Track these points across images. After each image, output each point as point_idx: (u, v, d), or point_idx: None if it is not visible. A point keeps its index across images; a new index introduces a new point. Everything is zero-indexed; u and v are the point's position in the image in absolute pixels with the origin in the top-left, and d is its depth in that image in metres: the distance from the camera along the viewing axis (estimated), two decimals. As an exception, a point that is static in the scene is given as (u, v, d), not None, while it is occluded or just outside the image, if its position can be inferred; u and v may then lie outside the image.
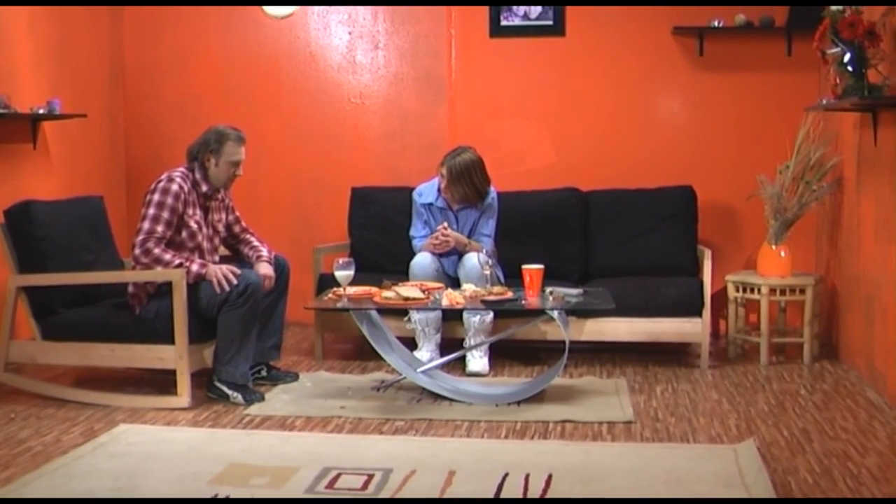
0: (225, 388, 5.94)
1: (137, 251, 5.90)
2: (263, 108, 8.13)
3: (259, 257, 6.32)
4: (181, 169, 6.15)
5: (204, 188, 6.17)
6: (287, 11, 8.07)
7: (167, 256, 5.90)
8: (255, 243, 6.42)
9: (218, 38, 8.21)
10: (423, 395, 6.01)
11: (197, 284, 5.89)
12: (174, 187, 6.00)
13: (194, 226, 6.11)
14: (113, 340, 6.00)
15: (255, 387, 6.13)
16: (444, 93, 8.02)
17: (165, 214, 5.95)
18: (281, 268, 6.37)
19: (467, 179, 6.69)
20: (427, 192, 6.95)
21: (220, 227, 6.36)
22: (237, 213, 6.50)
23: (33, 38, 6.98)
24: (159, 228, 5.92)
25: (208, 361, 6.03)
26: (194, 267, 5.90)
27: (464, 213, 6.87)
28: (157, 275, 5.92)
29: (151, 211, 5.95)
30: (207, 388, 5.99)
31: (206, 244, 6.20)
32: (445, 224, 6.76)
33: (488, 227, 6.88)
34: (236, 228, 6.48)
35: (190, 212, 6.09)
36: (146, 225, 5.93)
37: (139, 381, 6.29)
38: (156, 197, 5.98)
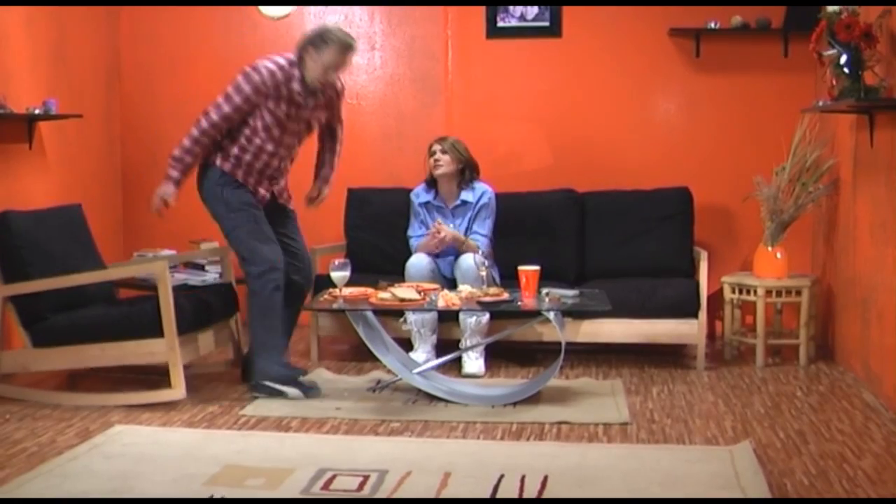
0: (275, 386, 5.96)
1: (194, 130, 5.94)
2: (260, 109, 8.12)
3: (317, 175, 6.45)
4: (284, 58, 6.01)
5: (296, 86, 6.00)
6: (284, 12, 8.07)
7: (190, 149, 5.95)
8: (326, 164, 6.51)
9: (215, 39, 8.21)
10: (419, 396, 6.01)
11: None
12: (256, 77, 5.91)
13: (273, 118, 5.98)
14: (103, 340, 5.96)
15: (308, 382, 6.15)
16: (440, 94, 8.03)
17: (227, 108, 5.93)
18: (306, 269, 6.40)
19: (458, 145, 6.86)
20: (422, 192, 6.99)
21: (314, 125, 6.28)
22: (342, 121, 6.49)
23: (30, 38, 6.97)
24: (219, 122, 5.93)
25: (202, 351, 6.01)
26: (174, 174, 5.95)
27: (460, 210, 6.89)
28: (140, 270, 5.90)
29: (220, 99, 5.95)
30: (251, 389, 6.04)
31: (288, 140, 6.11)
32: (439, 220, 6.78)
33: (485, 226, 6.89)
34: (331, 135, 6.50)
35: (271, 105, 5.97)
36: (212, 110, 5.95)
37: (135, 382, 6.26)
38: (231, 86, 5.94)
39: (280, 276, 5.97)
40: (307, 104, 6.08)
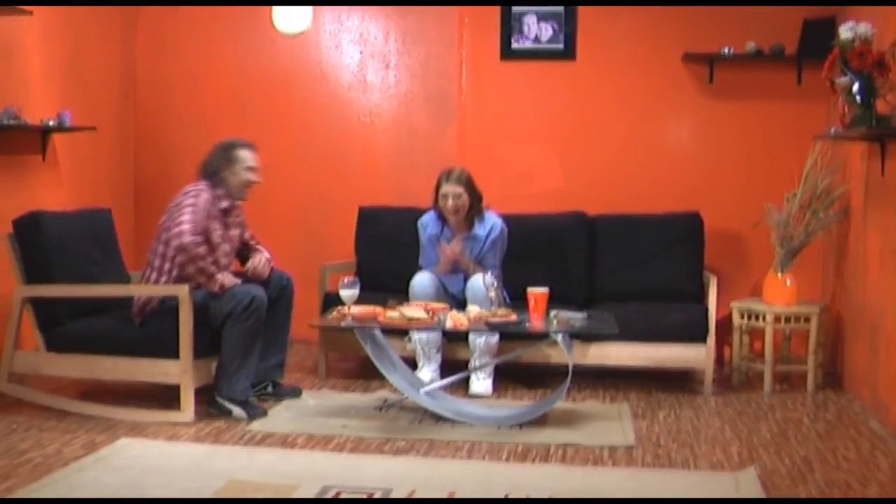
0: (227, 404, 5.95)
1: (188, 239, 5.90)
2: (273, 125, 8.15)
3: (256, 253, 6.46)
4: (203, 183, 6.19)
5: (224, 203, 6.23)
6: (299, 29, 8.10)
7: (209, 258, 6.00)
8: (262, 250, 6.49)
9: (230, 54, 8.24)
10: (425, 415, 6.01)
11: (210, 297, 5.92)
12: (204, 196, 6.08)
13: (216, 240, 6.15)
14: (117, 353, 6.02)
15: (259, 403, 6.13)
16: (453, 113, 8.04)
17: (199, 216, 6.01)
18: (284, 285, 6.39)
19: (469, 179, 6.74)
20: (431, 223, 6.91)
21: (236, 243, 6.40)
22: (250, 231, 6.53)
23: (45, 50, 7.00)
24: (194, 227, 5.96)
25: (213, 377, 6.03)
26: (226, 281, 5.99)
27: (468, 243, 6.83)
28: (163, 290, 5.95)
29: (189, 210, 6.00)
30: (209, 403, 6.00)
31: (223, 260, 6.22)
32: (444, 242, 6.74)
33: (496, 258, 6.84)
34: (251, 242, 6.52)
35: (213, 226, 6.13)
36: (188, 216, 5.97)
37: (142, 394, 6.28)
38: (188, 201, 6.03)
39: (263, 303, 6.00)
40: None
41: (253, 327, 5.93)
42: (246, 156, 6.26)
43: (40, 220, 6.11)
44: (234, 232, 6.37)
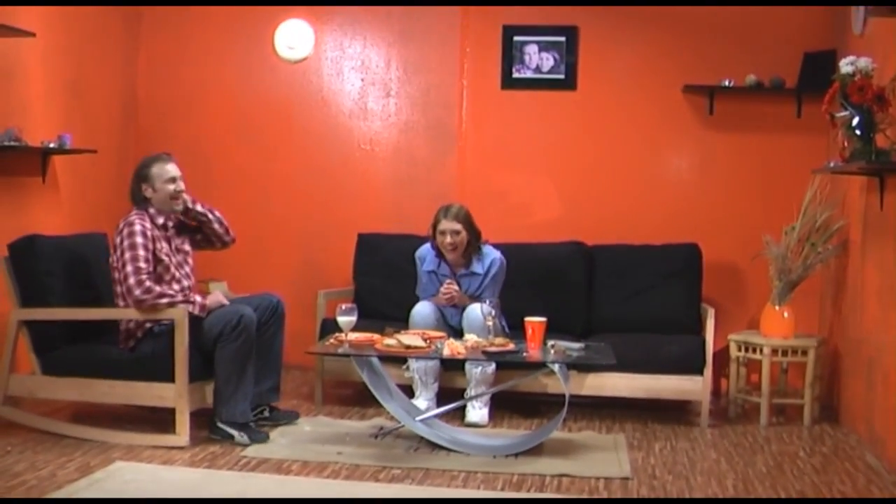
0: (228, 429, 5.94)
1: (138, 292, 5.89)
2: (274, 151, 8.17)
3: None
4: (134, 213, 6.18)
5: (160, 220, 6.22)
6: (301, 55, 8.12)
7: (169, 290, 5.96)
8: (210, 217, 6.47)
9: (231, 79, 8.27)
10: (420, 443, 6.00)
11: (198, 319, 5.91)
12: (137, 228, 6.05)
13: (165, 259, 6.14)
14: (113, 377, 6.02)
15: (258, 427, 6.12)
16: (453, 142, 8.06)
17: (142, 253, 5.99)
18: (274, 307, 6.37)
19: (467, 216, 6.72)
20: (428, 258, 6.91)
21: (186, 247, 6.39)
22: (192, 198, 6.43)
23: (47, 72, 7.02)
24: (143, 265, 5.96)
25: (209, 400, 6.03)
26: (198, 298, 6.00)
27: (466, 279, 6.84)
28: (162, 314, 5.94)
29: (128, 255, 5.98)
30: (210, 429, 5.98)
31: (178, 272, 6.20)
32: (450, 281, 6.73)
33: (495, 293, 6.81)
34: (193, 206, 6.43)
35: (158, 246, 6.12)
36: (130, 268, 5.95)
37: (137, 418, 6.28)
38: (126, 243, 6.02)
39: (252, 321, 5.99)
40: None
41: (243, 346, 5.92)
42: (160, 170, 6.21)
43: (36, 243, 6.13)
44: (181, 238, 6.36)
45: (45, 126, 6.91)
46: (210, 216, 6.42)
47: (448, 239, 6.68)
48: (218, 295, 6.18)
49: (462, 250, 6.74)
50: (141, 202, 6.23)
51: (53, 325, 6.12)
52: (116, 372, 6.03)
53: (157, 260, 6.08)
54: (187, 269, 6.32)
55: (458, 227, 6.68)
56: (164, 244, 6.18)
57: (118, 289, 6.08)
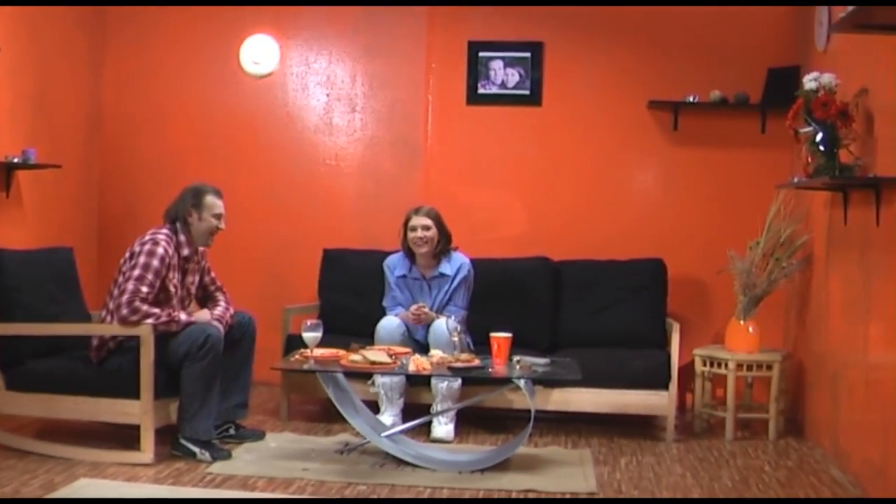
0: (190, 446, 5.90)
1: (125, 311, 5.85)
2: (239, 167, 8.15)
3: (214, 308, 6.38)
4: (165, 231, 6.14)
5: (186, 251, 6.20)
6: (266, 70, 8.12)
7: (155, 311, 5.91)
8: (220, 301, 6.43)
9: (197, 95, 8.25)
10: (386, 459, 5.98)
11: (166, 337, 5.88)
12: (160, 250, 6.01)
13: (172, 289, 6.11)
14: (78, 393, 5.97)
15: (222, 445, 6.09)
16: (419, 158, 8.06)
17: (150, 276, 5.95)
18: (245, 326, 6.36)
19: (438, 216, 6.82)
20: (398, 264, 6.96)
21: (193, 289, 6.38)
22: (213, 274, 6.51)
23: (11, 86, 6.98)
24: (144, 289, 5.91)
25: (174, 417, 5.99)
26: (183, 317, 5.98)
27: (437, 282, 6.87)
28: (125, 330, 5.90)
29: (137, 272, 5.94)
30: (172, 445, 5.95)
31: (178, 305, 6.18)
32: (422, 304, 6.75)
33: (463, 299, 6.89)
34: (211, 287, 6.49)
35: (170, 275, 6.09)
36: (131, 286, 5.90)
37: (103, 434, 6.23)
38: (142, 259, 5.97)
39: (219, 340, 5.97)
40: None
41: (209, 366, 5.89)
42: (214, 202, 6.23)
43: (1, 258, 6.08)
44: (193, 278, 6.35)
45: (10, 141, 6.87)
46: (221, 304, 6.45)
47: (419, 233, 6.76)
48: (205, 313, 6.19)
49: (433, 248, 6.79)
50: (175, 222, 6.21)
51: (18, 340, 6.06)
52: (82, 387, 5.98)
53: (162, 286, 6.04)
54: (185, 304, 6.31)
55: (429, 222, 6.77)
56: (177, 275, 6.17)
57: (110, 300, 6.04)
